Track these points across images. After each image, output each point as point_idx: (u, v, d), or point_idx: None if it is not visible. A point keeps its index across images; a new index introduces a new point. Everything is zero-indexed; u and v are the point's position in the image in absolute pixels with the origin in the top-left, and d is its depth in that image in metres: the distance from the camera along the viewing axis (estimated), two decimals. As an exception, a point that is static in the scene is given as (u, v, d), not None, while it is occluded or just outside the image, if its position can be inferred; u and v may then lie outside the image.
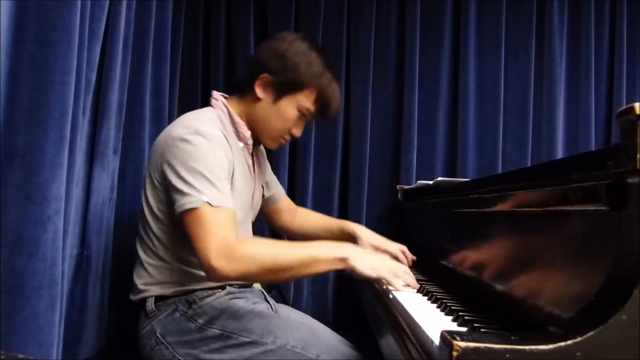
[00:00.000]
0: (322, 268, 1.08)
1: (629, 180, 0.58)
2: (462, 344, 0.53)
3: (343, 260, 1.08)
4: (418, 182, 1.80)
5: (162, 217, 1.16)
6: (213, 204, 1.04)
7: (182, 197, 1.06)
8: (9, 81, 0.86)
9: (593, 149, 2.05)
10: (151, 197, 1.17)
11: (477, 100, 2.09)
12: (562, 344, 0.54)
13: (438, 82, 2.10)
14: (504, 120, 2.09)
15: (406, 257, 1.44)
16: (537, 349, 0.53)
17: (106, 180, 1.27)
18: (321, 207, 2.02)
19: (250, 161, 1.32)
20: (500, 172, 2.02)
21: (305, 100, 1.24)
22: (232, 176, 1.17)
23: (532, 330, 0.59)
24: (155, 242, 1.18)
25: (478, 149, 2.07)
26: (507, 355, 0.53)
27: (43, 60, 0.89)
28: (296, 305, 1.91)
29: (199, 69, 2.04)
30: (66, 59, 0.92)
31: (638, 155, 0.56)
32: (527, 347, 0.54)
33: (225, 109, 1.25)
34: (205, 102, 2.01)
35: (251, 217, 1.37)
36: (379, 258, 1.18)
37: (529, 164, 2.06)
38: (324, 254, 1.08)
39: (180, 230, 1.10)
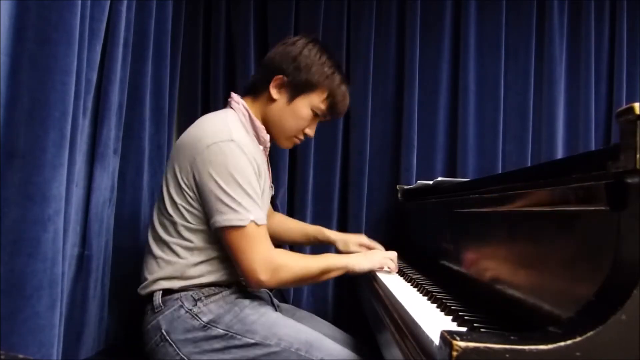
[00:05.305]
0: (333, 275, 1.27)
1: (629, 180, 0.58)
2: (462, 343, 0.53)
3: (344, 268, 1.28)
4: (418, 182, 1.80)
5: (187, 216, 1.18)
6: (258, 223, 1.13)
7: (228, 211, 1.12)
8: (9, 81, 0.86)
9: (593, 149, 2.05)
10: (176, 196, 1.18)
11: (477, 100, 2.09)
12: (562, 344, 0.54)
13: (438, 82, 2.10)
14: (504, 120, 2.10)
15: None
16: (537, 349, 0.54)
17: (107, 180, 1.27)
18: (321, 207, 2.03)
19: (267, 163, 1.36)
20: (500, 172, 2.02)
21: (318, 100, 1.30)
22: (263, 182, 1.23)
23: (532, 330, 0.59)
24: (175, 238, 1.19)
25: (478, 149, 2.07)
26: (507, 355, 0.53)
27: (43, 60, 0.89)
28: (296, 305, 1.91)
29: (199, 69, 2.04)
30: (66, 59, 0.92)
31: (638, 155, 0.56)
32: (527, 347, 0.54)
33: (246, 113, 1.28)
34: (206, 102, 2.05)
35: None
36: (367, 253, 1.40)
37: (529, 164, 2.07)
38: (334, 265, 1.26)
39: (206, 227, 1.17)
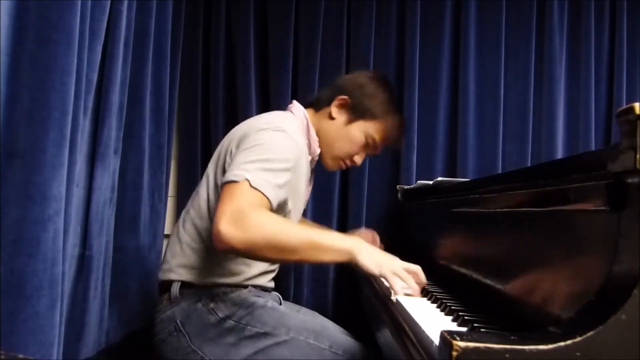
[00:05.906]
0: (326, 257, 1.04)
1: (629, 180, 0.58)
2: (462, 343, 0.53)
3: (348, 252, 1.02)
4: (418, 182, 1.80)
5: None
6: (252, 185, 1.03)
7: (230, 170, 1.08)
8: (9, 81, 0.86)
9: (593, 149, 2.05)
10: (221, 178, 1.20)
11: (477, 100, 2.09)
12: (562, 344, 0.54)
13: (438, 82, 2.09)
14: (504, 120, 2.09)
15: None
16: (537, 349, 0.53)
17: (107, 180, 1.27)
18: (321, 207, 2.02)
19: (310, 173, 1.37)
20: (500, 172, 2.02)
21: (373, 129, 1.35)
22: (297, 179, 1.22)
23: (532, 330, 0.59)
24: (209, 224, 1.19)
25: (478, 149, 2.07)
26: (507, 355, 0.53)
27: (43, 60, 0.89)
28: (296, 303, 1.91)
29: (199, 69, 2.04)
30: (66, 59, 0.92)
31: (638, 155, 0.56)
32: (526, 347, 0.54)
33: (305, 120, 1.32)
34: (206, 102, 2.05)
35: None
36: (384, 255, 1.07)
37: (529, 164, 2.06)
38: (330, 243, 1.03)
39: None
